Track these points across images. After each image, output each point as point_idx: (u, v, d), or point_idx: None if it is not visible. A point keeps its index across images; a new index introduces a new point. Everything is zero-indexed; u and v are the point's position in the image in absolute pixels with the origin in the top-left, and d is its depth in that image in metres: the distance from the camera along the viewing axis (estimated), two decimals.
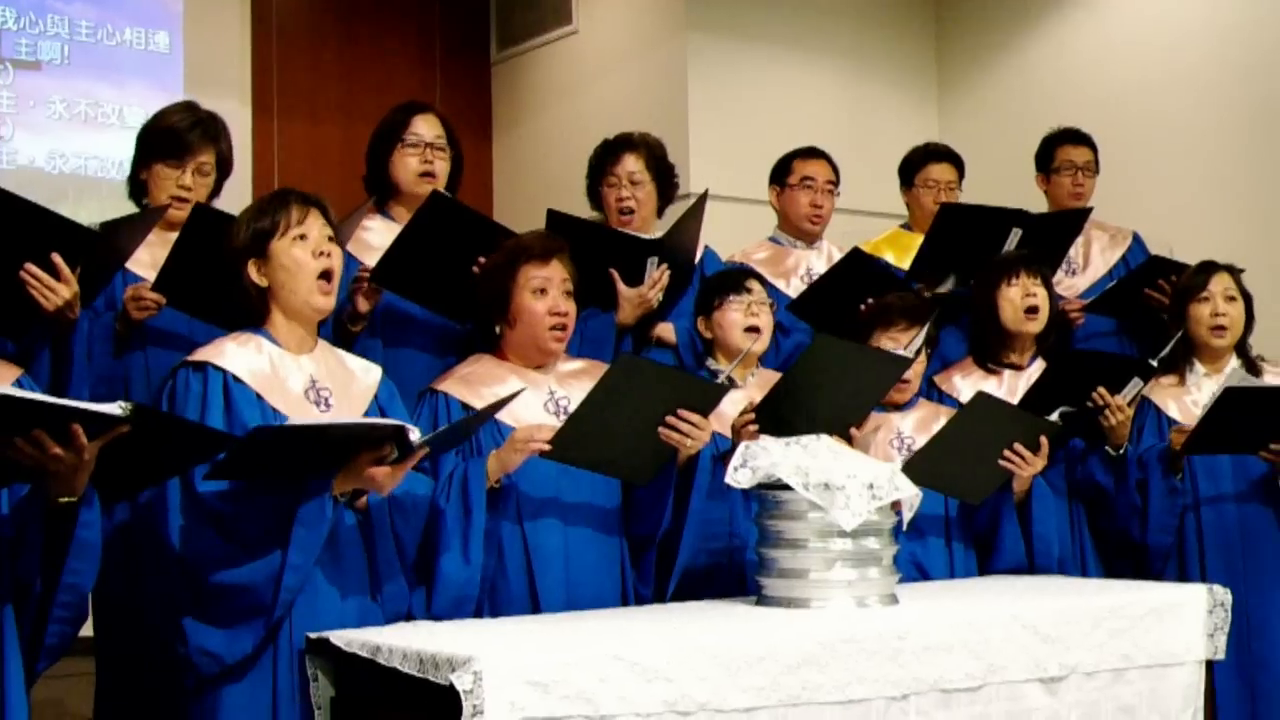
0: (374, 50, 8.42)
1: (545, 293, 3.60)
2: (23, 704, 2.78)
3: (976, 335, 4.51)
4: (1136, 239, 5.56)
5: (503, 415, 3.49)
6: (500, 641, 2.87)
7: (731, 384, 3.99)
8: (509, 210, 8.48)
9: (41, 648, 2.82)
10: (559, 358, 3.70)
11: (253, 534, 2.98)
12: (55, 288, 3.32)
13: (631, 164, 4.58)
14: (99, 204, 7.03)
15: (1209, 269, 4.54)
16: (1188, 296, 4.52)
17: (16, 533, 2.74)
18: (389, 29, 8.52)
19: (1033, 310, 4.38)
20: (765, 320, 4.16)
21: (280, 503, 2.97)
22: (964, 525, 4.14)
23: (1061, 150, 5.47)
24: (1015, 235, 4.73)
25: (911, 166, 5.46)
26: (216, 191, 4.06)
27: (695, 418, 3.44)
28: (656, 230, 4.63)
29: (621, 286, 4.19)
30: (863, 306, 4.50)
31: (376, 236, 4.03)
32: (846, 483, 3.24)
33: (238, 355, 3.18)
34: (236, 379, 3.14)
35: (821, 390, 3.71)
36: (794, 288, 4.84)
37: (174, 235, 3.78)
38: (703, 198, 4.36)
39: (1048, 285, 4.44)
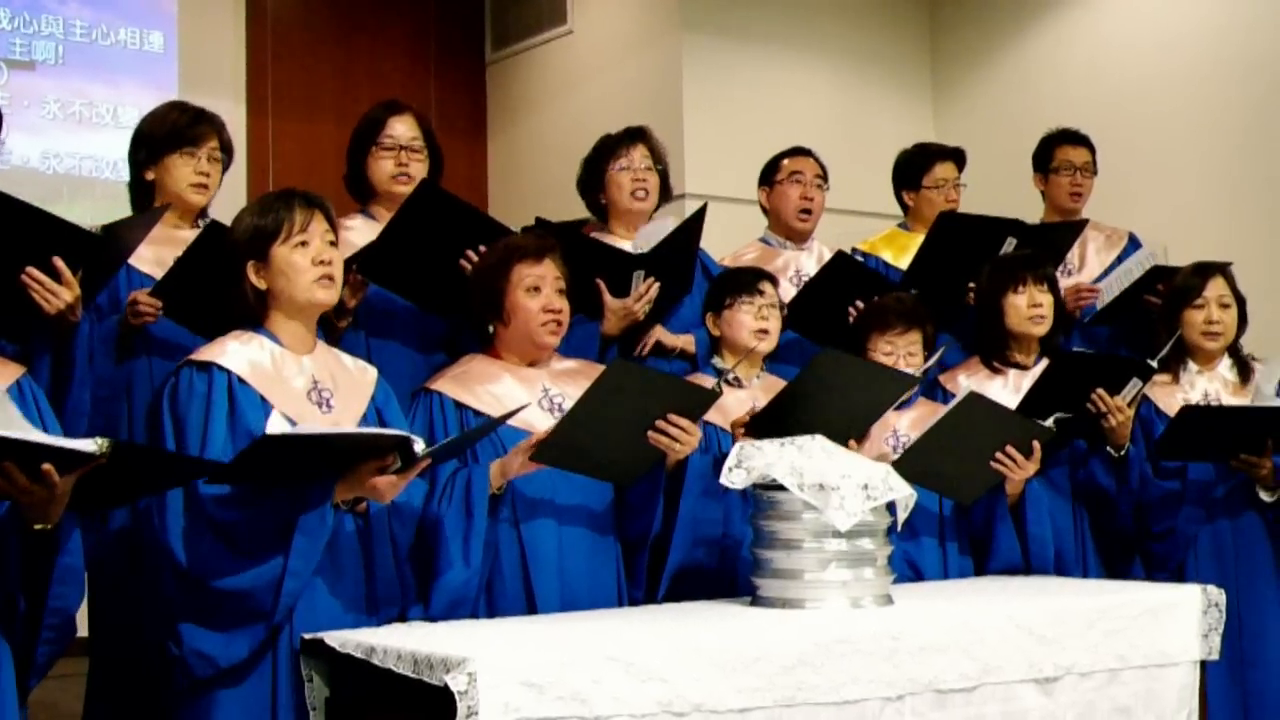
0: (369, 50, 8.42)
1: (539, 290, 3.60)
2: (14, 715, 2.78)
3: (982, 335, 4.51)
4: (1133, 239, 5.56)
5: (496, 412, 3.48)
6: (495, 642, 2.87)
7: (737, 383, 4.00)
8: (503, 210, 8.46)
9: (32, 666, 2.83)
10: (552, 356, 3.71)
11: (254, 540, 2.97)
12: (57, 291, 3.33)
13: (644, 151, 4.59)
14: (93, 204, 7.05)
15: (1204, 273, 4.54)
16: (1183, 300, 4.53)
17: None
18: (384, 28, 8.52)
19: (1039, 318, 4.38)
20: (775, 324, 4.16)
21: (282, 510, 2.97)
22: (958, 525, 4.14)
23: (1060, 151, 5.46)
24: (1010, 244, 4.73)
25: (916, 167, 5.42)
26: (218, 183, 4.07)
27: (684, 423, 3.45)
28: (651, 224, 4.63)
29: (607, 297, 4.20)
30: (852, 310, 4.51)
31: (358, 235, 4.03)
32: (841, 483, 3.23)
33: (241, 354, 3.16)
34: (241, 380, 3.13)
35: (824, 403, 3.71)
36: (784, 290, 4.82)
37: (185, 230, 3.79)
38: (701, 211, 4.36)
39: (1054, 289, 4.44)
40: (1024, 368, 4.40)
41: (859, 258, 5.13)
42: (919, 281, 4.75)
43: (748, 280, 4.16)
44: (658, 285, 4.24)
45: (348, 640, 2.92)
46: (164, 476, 2.95)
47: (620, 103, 7.64)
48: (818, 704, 2.99)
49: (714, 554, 3.86)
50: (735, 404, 3.91)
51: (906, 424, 4.18)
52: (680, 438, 3.45)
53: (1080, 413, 4.17)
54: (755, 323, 4.09)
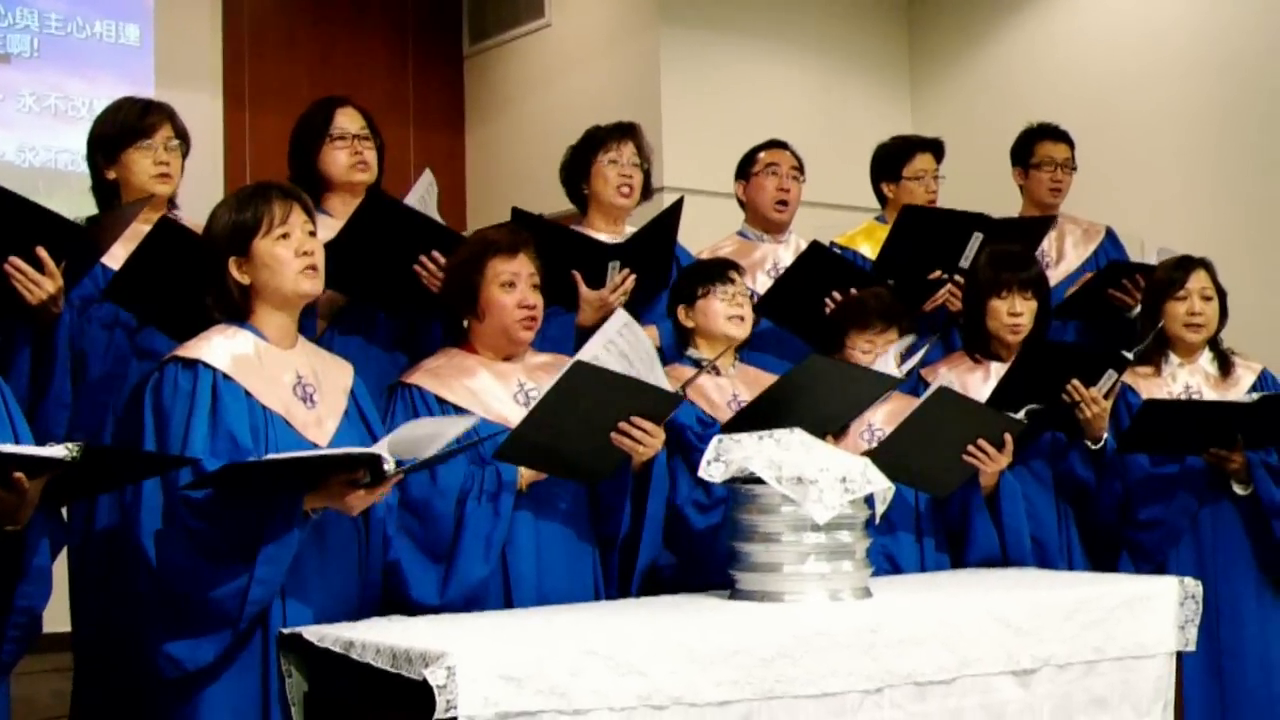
0: (347, 43, 8.40)
1: (514, 286, 3.61)
2: None
3: (966, 328, 4.53)
4: (1109, 234, 5.58)
5: (473, 406, 3.50)
6: (473, 636, 2.87)
7: (715, 371, 4.01)
8: (482, 203, 8.49)
9: None
10: (528, 350, 3.71)
11: (222, 548, 2.96)
12: (40, 281, 3.33)
13: (633, 148, 4.61)
14: (69, 198, 6.98)
15: (1187, 266, 4.56)
16: (1165, 293, 4.55)
17: None
18: (362, 21, 8.50)
19: (1016, 328, 4.39)
20: (748, 310, 4.18)
21: (252, 519, 2.96)
22: (934, 519, 4.15)
23: (1041, 146, 5.47)
24: (976, 239, 4.73)
25: (895, 159, 5.40)
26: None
27: (648, 425, 3.45)
28: (628, 225, 4.64)
29: (583, 289, 4.21)
30: (829, 301, 4.52)
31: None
32: (819, 476, 3.24)
33: (225, 349, 3.15)
34: (226, 376, 3.11)
35: (804, 403, 3.71)
36: (760, 283, 4.83)
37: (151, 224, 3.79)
38: (678, 204, 4.36)
39: (1037, 293, 4.44)
40: (1005, 360, 4.40)
41: (836, 251, 5.13)
42: (886, 275, 4.74)
43: (718, 269, 4.18)
44: (634, 277, 4.24)
45: (326, 635, 2.92)
46: (135, 473, 2.96)
47: (598, 96, 7.63)
48: (797, 697, 3.00)
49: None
50: (716, 391, 3.92)
51: (881, 418, 4.19)
52: (644, 439, 3.46)
53: (1052, 404, 4.17)
54: (730, 309, 4.11)
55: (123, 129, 3.93)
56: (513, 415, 3.49)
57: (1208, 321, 4.54)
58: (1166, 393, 4.47)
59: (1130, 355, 4.29)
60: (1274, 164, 6.60)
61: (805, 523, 3.27)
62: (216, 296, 3.21)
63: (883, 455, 3.71)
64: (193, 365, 3.11)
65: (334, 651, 2.88)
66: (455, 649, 2.64)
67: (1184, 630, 3.61)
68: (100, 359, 3.73)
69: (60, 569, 3.09)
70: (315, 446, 3.13)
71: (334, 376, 3.33)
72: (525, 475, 3.47)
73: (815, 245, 4.71)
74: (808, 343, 4.54)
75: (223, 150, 7.69)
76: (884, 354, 4.14)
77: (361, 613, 3.20)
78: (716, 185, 6.06)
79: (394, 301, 4.04)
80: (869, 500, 3.40)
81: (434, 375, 3.60)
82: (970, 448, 3.97)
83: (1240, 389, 4.50)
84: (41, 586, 2.82)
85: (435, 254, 3.91)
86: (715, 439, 3.40)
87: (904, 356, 4.11)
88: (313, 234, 3.24)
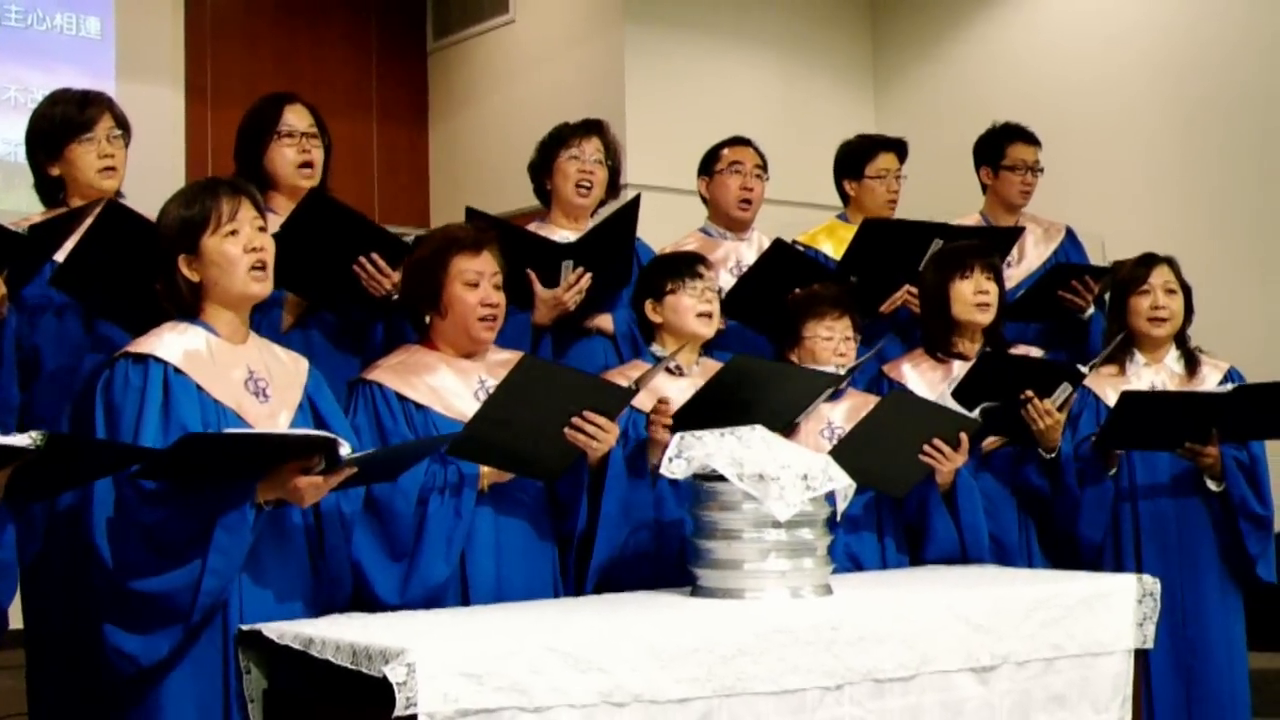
0: (310, 37, 8.37)
1: (477, 284, 3.60)
2: None
3: (927, 324, 4.52)
4: (1069, 233, 5.59)
5: (435, 405, 3.49)
6: (433, 633, 2.86)
7: (679, 370, 3.99)
8: (444, 198, 8.48)
9: None
10: (489, 347, 3.70)
11: (174, 540, 2.95)
12: None
13: (598, 144, 4.60)
14: (29, 191, 6.92)
15: (1149, 262, 4.58)
16: (1128, 289, 4.56)
17: None
18: (325, 16, 8.47)
19: (984, 305, 4.40)
20: (716, 306, 4.16)
21: (203, 509, 2.95)
22: (895, 518, 4.15)
23: (1013, 149, 5.46)
24: (936, 247, 4.73)
25: (858, 157, 5.39)
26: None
27: (601, 420, 3.45)
28: (592, 221, 4.63)
29: (538, 288, 4.20)
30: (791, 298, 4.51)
31: None
32: (781, 473, 3.24)
33: (177, 344, 3.14)
34: (177, 370, 3.10)
35: (744, 403, 3.70)
36: (723, 280, 4.83)
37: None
38: (634, 202, 4.35)
39: (999, 280, 4.46)
40: (967, 359, 4.40)
41: (799, 249, 5.13)
42: (840, 279, 4.73)
43: (687, 264, 4.13)
44: (589, 276, 4.23)
45: (285, 632, 2.91)
46: (97, 466, 2.93)
47: (562, 93, 7.64)
48: (757, 694, 3.00)
49: (649, 538, 3.85)
50: (677, 391, 3.91)
51: (841, 416, 4.18)
52: (597, 435, 3.45)
53: (1008, 403, 4.17)
54: (699, 305, 4.07)
55: (63, 123, 3.89)
56: (473, 413, 3.48)
57: (1172, 316, 4.53)
58: None
59: (1085, 369, 4.30)
60: (1236, 163, 6.66)
61: (767, 520, 3.27)
62: (167, 292, 3.20)
63: (840, 457, 3.71)
64: (143, 360, 3.09)
65: (293, 648, 2.86)
66: (415, 646, 2.63)
67: (1142, 628, 3.63)
68: (54, 351, 3.71)
69: None
70: None
71: (288, 371, 3.32)
72: (487, 475, 3.46)
73: (778, 243, 4.71)
74: (771, 341, 4.54)
75: (184, 144, 7.64)
76: (844, 340, 4.15)
77: (318, 609, 3.19)
78: (680, 182, 6.06)
79: (332, 300, 4.02)
80: (830, 498, 3.41)
81: (394, 372, 3.59)
82: (926, 447, 3.98)
83: (1206, 387, 4.48)
84: (7, 581, 2.80)
85: (375, 256, 3.89)
86: (677, 436, 3.40)
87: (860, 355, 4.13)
88: (263, 229, 3.22)
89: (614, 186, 4.69)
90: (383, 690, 2.60)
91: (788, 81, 8.04)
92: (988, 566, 4.11)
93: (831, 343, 4.16)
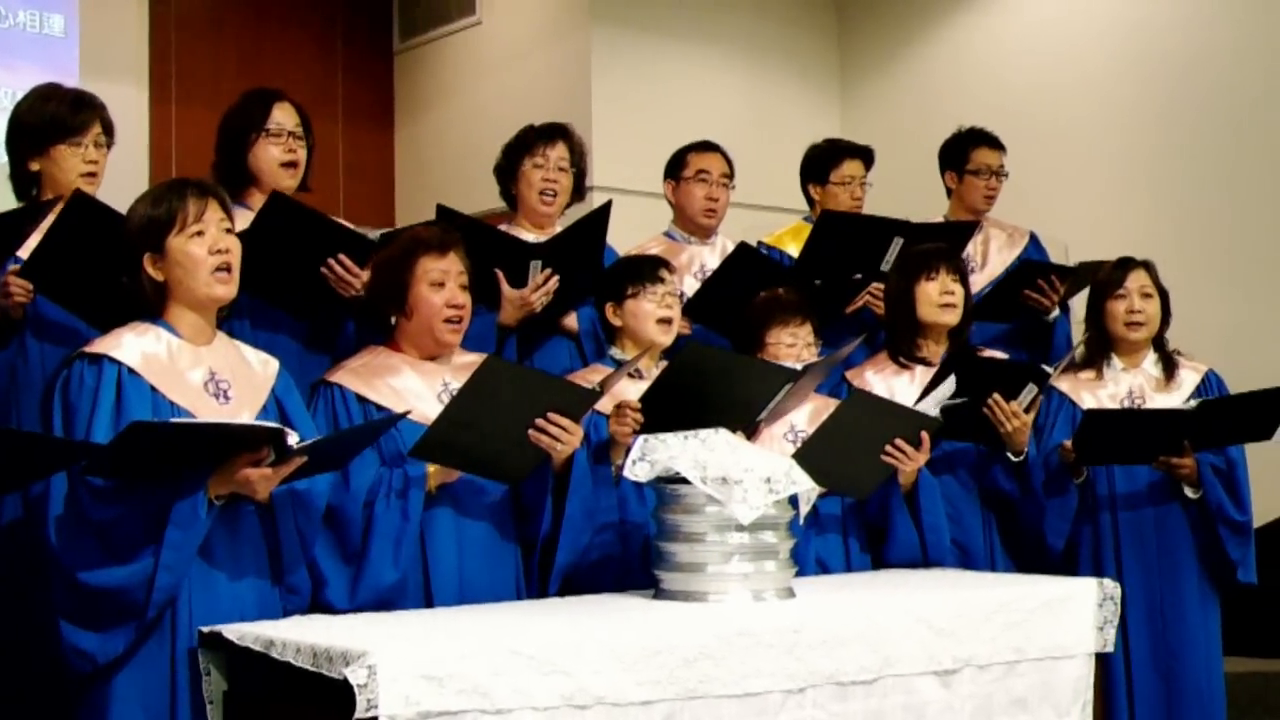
0: (275, 37, 8.33)
1: (443, 285, 3.59)
2: None
3: (891, 327, 4.52)
4: (1033, 238, 5.61)
5: (396, 406, 3.47)
6: (395, 635, 2.85)
7: (638, 374, 3.99)
8: (410, 200, 8.45)
9: None
10: (454, 350, 3.69)
11: (126, 537, 2.94)
12: None
13: (563, 151, 4.59)
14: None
15: (1127, 265, 4.58)
16: (1105, 292, 4.56)
17: None
18: (291, 16, 8.43)
19: (949, 306, 4.40)
20: (677, 311, 4.15)
21: (154, 503, 2.94)
22: (859, 520, 4.16)
23: (978, 153, 5.48)
24: (897, 244, 4.73)
25: (825, 162, 5.40)
26: None
27: (565, 422, 3.44)
28: (558, 226, 4.63)
29: (505, 287, 4.19)
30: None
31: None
32: (744, 477, 3.24)
33: (134, 346, 3.13)
34: (132, 371, 3.09)
35: (703, 395, 3.70)
36: (688, 285, 4.83)
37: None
38: (606, 207, 4.35)
39: (964, 281, 4.47)
40: (930, 364, 4.40)
41: (764, 251, 5.14)
42: (810, 278, 4.75)
43: (649, 268, 4.12)
44: (556, 277, 4.23)
45: (246, 633, 2.90)
46: (42, 462, 2.92)
47: (529, 95, 7.62)
48: (720, 696, 3.00)
49: (613, 540, 3.85)
50: (637, 395, 3.90)
51: (804, 419, 4.19)
52: (561, 437, 3.44)
53: (970, 401, 4.18)
54: (659, 311, 4.06)
55: (54, 122, 3.87)
56: (436, 414, 3.47)
57: (1148, 320, 4.54)
58: (1109, 395, 4.50)
59: (1051, 370, 4.31)
60: (1200, 168, 6.69)
61: (730, 523, 3.27)
62: (131, 291, 3.18)
63: (802, 459, 3.71)
64: (98, 361, 3.09)
65: (254, 650, 2.85)
66: (376, 648, 2.62)
67: (1103, 631, 3.64)
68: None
69: None
70: None
71: (254, 373, 3.30)
72: (434, 475, 3.44)
73: (743, 246, 4.71)
74: (735, 345, 4.54)
75: (148, 143, 7.60)
76: (806, 346, 4.15)
77: (274, 610, 3.17)
78: (646, 185, 6.07)
79: (297, 303, 4.01)
80: (793, 501, 3.42)
81: (356, 374, 3.58)
82: (888, 447, 3.98)
83: (1184, 391, 4.50)
84: None
85: (343, 258, 3.88)
86: (640, 439, 3.40)
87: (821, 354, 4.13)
88: (229, 231, 3.21)
89: (579, 191, 4.69)
90: (344, 693, 2.59)
91: (754, 85, 8.05)
92: (949, 569, 4.12)
93: (794, 349, 4.16)
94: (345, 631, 2.88)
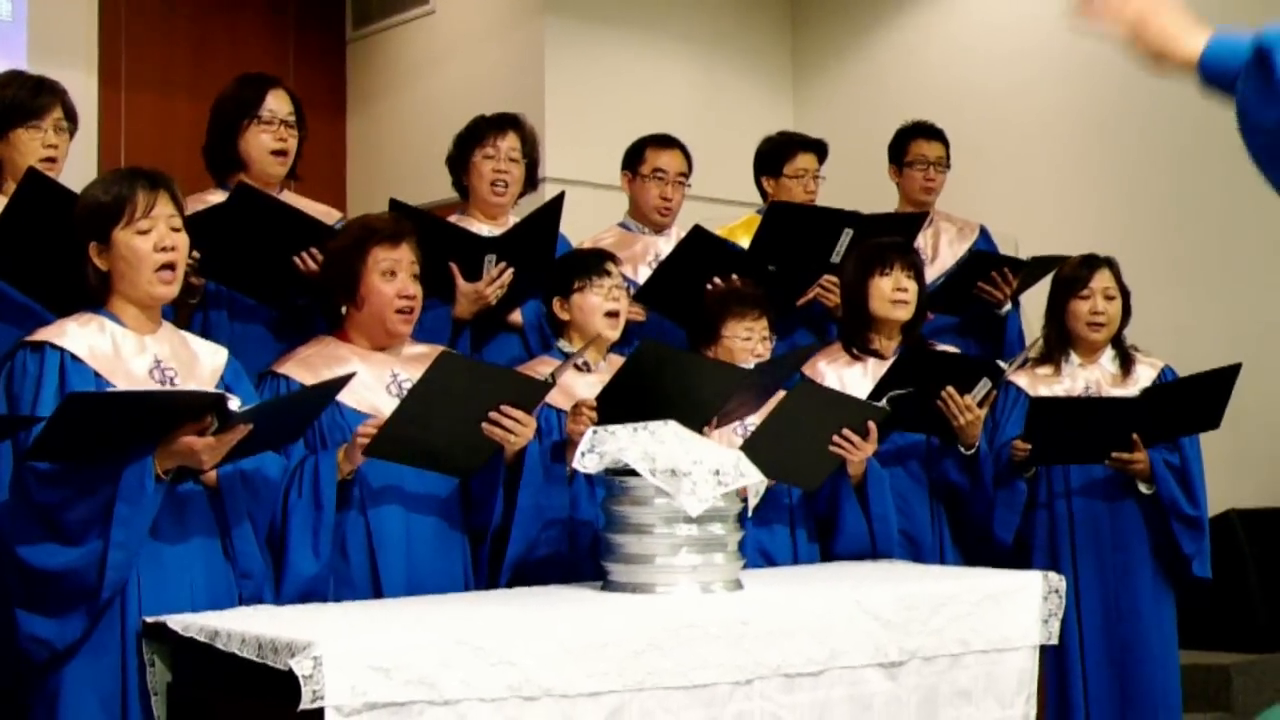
0: (226, 23, 8.27)
1: (395, 275, 3.58)
2: None
3: (844, 320, 4.53)
4: (983, 232, 5.64)
5: (346, 398, 3.46)
6: (341, 626, 2.85)
7: (586, 367, 3.99)
8: (362, 189, 8.41)
9: None
10: (404, 341, 3.68)
11: (75, 518, 2.92)
12: None
13: (514, 141, 4.56)
14: None
15: (1092, 264, 4.59)
16: (1069, 291, 4.58)
17: None
18: (243, 3, 8.37)
19: (902, 302, 4.41)
20: (624, 304, 4.15)
21: (100, 482, 2.92)
22: (807, 512, 4.17)
23: (914, 145, 5.50)
24: (847, 235, 4.73)
25: (778, 155, 5.39)
26: None
27: (518, 414, 3.44)
28: (511, 216, 4.62)
29: (460, 281, 4.18)
30: (710, 287, 4.50)
31: None
32: (693, 469, 3.25)
33: (78, 335, 3.11)
34: (75, 358, 3.07)
35: (660, 393, 3.70)
36: (641, 274, 4.82)
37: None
38: (558, 199, 4.33)
39: (919, 278, 4.48)
40: (883, 357, 4.42)
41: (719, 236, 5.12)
42: (758, 269, 4.74)
43: (594, 262, 4.12)
44: (511, 270, 4.22)
45: (190, 624, 2.88)
46: None
47: (481, 84, 7.61)
48: (668, 688, 3.01)
49: (562, 538, 3.85)
50: (586, 388, 3.90)
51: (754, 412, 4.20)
52: (514, 429, 3.44)
53: (919, 392, 4.19)
54: (606, 304, 4.05)
55: (14, 106, 3.85)
56: (385, 405, 3.46)
57: (1110, 321, 4.58)
58: (1065, 390, 4.52)
59: (1005, 365, 4.33)
60: (1149, 164, 6.74)
61: (678, 515, 3.27)
62: (78, 276, 3.16)
63: (750, 451, 3.72)
64: (40, 349, 3.07)
65: (199, 641, 2.84)
66: (322, 639, 2.61)
67: (1047, 624, 3.67)
68: None
69: None
70: None
71: (201, 361, 3.28)
72: (345, 464, 3.40)
73: (697, 229, 4.66)
74: (688, 331, 4.54)
75: (97, 130, 7.53)
76: (762, 340, 4.16)
77: (225, 598, 3.16)
78: (599, 177, 6.07)
79: (269, 294, 3.99)
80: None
81: (304, 364, 3.56)
82: (835, 438, 3.99)
83: (1140, 386, 4.53)
84: None
85: (314, 250, 3.87)
86: (590, 430, 3.40)
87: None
88: (177, 230, 3.18)
89: (531, 181, 4.67)
90: (290, 683, 2.58)
91: (707, 77, 8.06)
92: (897, 562, 4.14)
93: (750, 343, 4.17)
94: (291, 622, 2.87)
